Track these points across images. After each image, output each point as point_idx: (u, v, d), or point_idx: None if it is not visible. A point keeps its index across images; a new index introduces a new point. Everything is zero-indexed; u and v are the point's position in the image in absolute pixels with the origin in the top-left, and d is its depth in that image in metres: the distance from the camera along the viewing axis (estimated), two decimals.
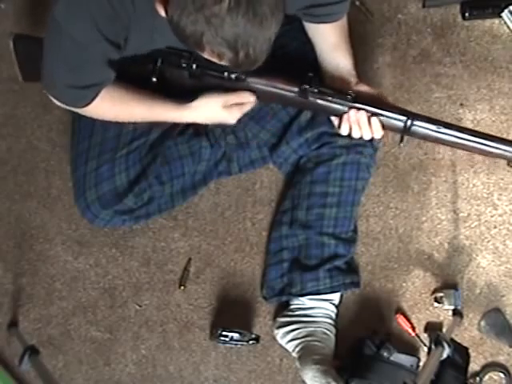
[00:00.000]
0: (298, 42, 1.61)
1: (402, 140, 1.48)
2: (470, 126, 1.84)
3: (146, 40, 1.39)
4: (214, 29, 1.07)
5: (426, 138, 1.48)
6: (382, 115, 1.46)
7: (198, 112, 1.51)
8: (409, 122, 1.45)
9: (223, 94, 1.49)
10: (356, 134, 1.49)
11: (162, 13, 1.15)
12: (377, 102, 1.47)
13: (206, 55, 1.15)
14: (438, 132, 1.46)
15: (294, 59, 1.60)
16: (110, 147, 1.60)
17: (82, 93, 1.41)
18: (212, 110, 1.51)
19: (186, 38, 1.12)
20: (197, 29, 1.08)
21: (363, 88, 1.52)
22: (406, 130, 1.46)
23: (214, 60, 1.15)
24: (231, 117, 1.53)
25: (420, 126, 1.46)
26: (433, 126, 1.46)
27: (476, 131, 1.50)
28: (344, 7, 1.51)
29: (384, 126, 1.47)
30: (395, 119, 1.46)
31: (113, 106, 1.48)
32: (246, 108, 1.53)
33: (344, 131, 1.50)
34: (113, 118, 1.54)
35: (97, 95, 1.42)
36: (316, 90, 1.46)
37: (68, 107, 1.49)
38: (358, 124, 1.47)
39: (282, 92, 1.48)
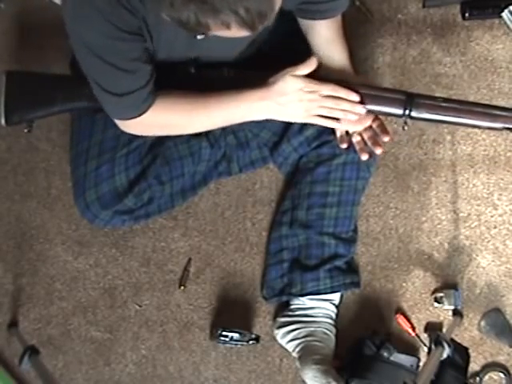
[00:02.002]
0: (285, 35, 1.60)
1: (406, 123, 1.46)
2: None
3: (167, 37, 1.36)
4: (203, 3, 1.05)
5: (429, 113, 1.46)
6: (382, 97, 1.45)
7: (276, 96, 1.41)
8: (409, 103, 1.44)
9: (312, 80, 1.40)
10: (364, 156, 1.52)
11: (168, 19, 1.15)
12: (375, 89, 1.48)
13: (216, 33, 1.12)
14: (440, 106, 1.45)
15: (281, 53, 1.59)
16: (110, 147, 1.59)
17: (127, 100, 1.38)
18: (292, 97, 1.41)
19: (188, 26, 1.10)
20: (190, 11, 1.06)
21: (359, 80, 1.52)
22: (408, 108, 1.45)
23: (229, 33, 1.11)
24: (306, 114, 1.44)
25: (421, 103, 1.45)
26: (433, 101, 1.45)
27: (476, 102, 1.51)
28: (340, 4, 1.50)
29: (387, 113, 1.47)
30: (396, 100, 1.45)
31: (169, 114, 1.44)
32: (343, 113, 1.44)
33: (344, 146, 1.53)
34: (174, 128, 1.51)
35: (146, 102, 1.39)
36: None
37: (126, 125, 1.46)
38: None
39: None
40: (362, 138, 1.52)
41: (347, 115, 1.44)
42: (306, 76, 1.41)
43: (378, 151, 1.49)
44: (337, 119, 1.45)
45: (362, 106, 1.44)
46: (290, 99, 1.41)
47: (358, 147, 1.53)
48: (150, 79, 1.38)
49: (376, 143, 1.49)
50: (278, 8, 1.11)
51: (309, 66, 1.41)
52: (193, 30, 1.12)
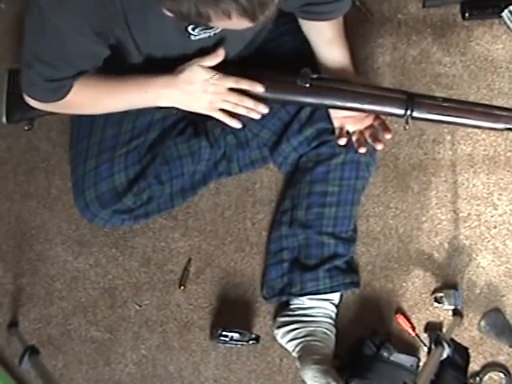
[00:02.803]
0: (297, 41, 1.61)
1: (407, 123, 1.46)
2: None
3: (159, 36, 1.36)
4: None
5: (430, 113, 1.46)
6: (383, 97, 1.45)
7: (182, 84, 1.41)
8: (410, 103, 1.44)
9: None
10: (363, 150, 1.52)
11: (169, 13, 1.14)
12: (376, 89, 1.48)
13: (218, 24, 1.11)
14: (441, 106, 1.45)
15: (292, 57, 1.60)
16: (109, 146, 1.59)
17: (50, 85, 1.37)
18: (197, 86, 1.42)
19: (189, 18, 1.09)
20: (191, 2, 1.05)
21: (361, 80, 1.53)
22: (409, 108, 1.44)
23: (230, 24, 1.11)
24: (209, 106, 1.45)
25: (422, 103, 1.45)
26: (434, 101, 1.45)
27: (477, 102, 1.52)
28: (342, 6, 1.50)
29: (388, 113, 1.47)
30: (397, 100, 1.45)
31: (76, 95, 1.43)
32: (245, 110, 1.46)
33: (342, 142, 1.53)
34: (77, 108, 1.50)
35: (64, 90, 1.40)
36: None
37: (42, 104, 1.44)
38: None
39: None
40: (363, 136, 1.53)
41: (250, 113, 1.45)
42: (212, 68, 1.41)
43: (379, 147, 1.49)
44: (238, 118, 1.46)
45: (263, 106, 1.44)
46: (194, 88, 1.42)
47: (356, 143, 1.53)
48: (80, 74, 1.38)
49: (376, 139, 1.49)
50: None
51: (215, 58, 1.41)
52: (194, 22, 1.12)
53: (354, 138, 1.53)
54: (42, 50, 1.32)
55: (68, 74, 1.37)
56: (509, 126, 1.46)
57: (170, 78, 1.43)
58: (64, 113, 1.56)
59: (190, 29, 1.33)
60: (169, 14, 1.12)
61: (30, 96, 1.43)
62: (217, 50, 1.41)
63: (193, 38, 1.35)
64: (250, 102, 1.45)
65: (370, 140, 1.50)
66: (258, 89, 1.44)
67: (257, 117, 1.47)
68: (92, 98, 1.46)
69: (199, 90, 1.43)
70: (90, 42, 1.29)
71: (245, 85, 1.44)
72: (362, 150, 1.52)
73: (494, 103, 1.85)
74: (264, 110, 1.46)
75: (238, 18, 1.08)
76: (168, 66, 1.43)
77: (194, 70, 1.41)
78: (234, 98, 1.44)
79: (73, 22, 1.24)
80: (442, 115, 1.46)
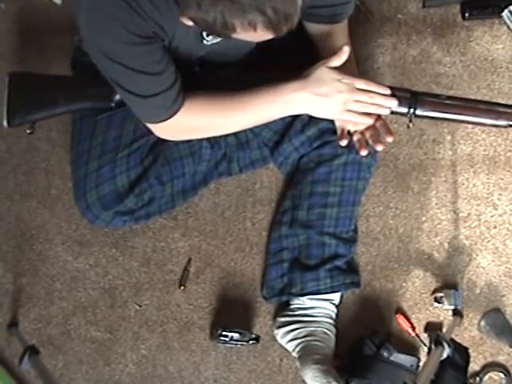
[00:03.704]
0: (298, 41, 1.61)
1: (410, 121, 1.46)
2: (469, 126, 1.84)
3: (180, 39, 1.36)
4: (232, 2, 1.05)
5: (433, 110, 1.46)
6: (388, 95, 1.44)
7: (315, 87, 1.37)
8: (414, 101, 1.44)
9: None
10: (364, 152, 1.50)
11: (190, 22, 1.14)
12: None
13: (241, 35, 1.12)
14: (444, 104, 1.45)
15: (293, 54, 1.60)
16: (111, 148, 1.59)
17: (154, 102, 1.37)
18: (331, 87, 1.38)
19: (214, 28, 1.10)
20: (217, 11, 1.07)
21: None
22: (413, 107, 1.44)
23: (253, 36, 1.11)
24: (342, 108, 1.40)
25: (426, 101, 1.45)
26: (437, 98, 1.46)
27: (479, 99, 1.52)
28: (347, 9, 1.51)
29: (392, 111, 1.46)
30: (401, 98, 1.44)
31: (204, 115, 1.43)
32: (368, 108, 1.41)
33: (343, 143, 1.52)
34: (209, 130, 1.49)
35: (175, 104, 1.39)
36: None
37: (158, 128, 1.45)
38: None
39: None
40: (364, 137, 1.52)
41: (378, 110, 1.42)
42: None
43: (379, 148, 1.48)
44: (368, 114, 1.43)
45: (391, 98, 1.42)
46: (329, 90, 1.38)
47: (358, 144, 1.52)
48: (174, 81, 1.37)
49: (377, 141, 1.49)
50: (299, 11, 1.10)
51: (341, 57, 1.39)
52: (217, 31, 1.12)
53: (354, 138, 1.53)
54: (118, 76, 1.34)
55: (160, 87, 1.36)
56: (511, 123, 1.46)
57: (300, 82, 1.39)
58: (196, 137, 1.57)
59: (204, 34, 1.33)
60: (189, 22, 1.12)
61: (150, 122, 1.44)
62: (340, 50, 1.38)
63: (205, 42, 1.36)
64: (379, 99, 1.41)
65: (370, 141, 1.49)
66: (386, 91, 1.41)
67: (386, 112, 1.43)
68: (214, 117, 1.44)
69: (333, 91, 1.39)
70: (144, 46, 1.29)
71: (374, 87, 1.41)
72: (364, 153, 1.50)
73: None
74: (394, 103, 1.42)
75: (262, 29, 1.09)
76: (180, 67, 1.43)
77: (324, 71, 1.38)
78: (365, 96, 1.41)
79: (121, 37, 1.25)
80: (445, 113, 1.46)
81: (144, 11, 1.25)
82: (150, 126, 1.46)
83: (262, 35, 1.10)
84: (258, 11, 1.07)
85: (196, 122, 1.45)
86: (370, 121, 1.45)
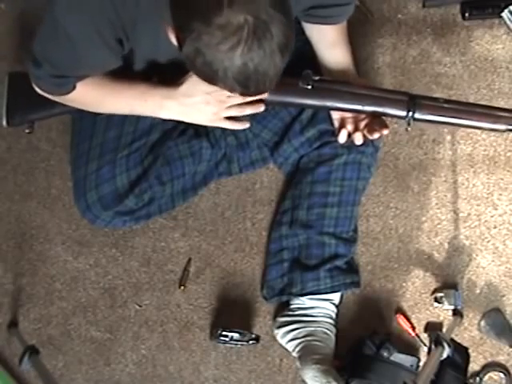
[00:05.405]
0: (298, 43, 1.61)
1: (409, 124, 1.46)
2: None
3: (151, 45, 1.36)
4: (225, 70, 1.06)
5: (432, 114, 1.46)
6: (385, 98, 1.45)
7: (181, 97, 1.40)
8: (412, 104, 1.44)
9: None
10: (358, 140, 1.50)
11: (174, 41, 1.14)
12: (377, 90, 1.48)
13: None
14: (443, 108, 1.45)
15: (293, 59, 1.60)
16: (111, 148, 1.59)
17: (59, 80, 1.38)
18: (198, 99, 1.40)
19: (197, 72, 1.12)
20: (209, 69, 1.08)
21: (363, 82, 1.53)
22: (411, 110, 1.45)
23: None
24: (213, 118, 1.44)
25: (424, 104, 1.45)
26: (436, 102, 1.46)
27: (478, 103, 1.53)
28: (347, 10, 1.51)
29: (390, 114, 1.46)
30: (399, 101, 1.45)
31: (82, 94, 1.43)
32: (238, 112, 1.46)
33: (342, 138, 1.52)
34: (82, 106, 1.50)
35: (70, 85, 1.40)
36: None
37: (49, 95, 1.45)
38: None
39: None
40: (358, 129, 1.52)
41: (257, 109, 1.44)
42: None
43: (376, 136, 1.47)
44: (243, 122, 1.47)
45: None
46: (195, 101, 1.41)
47: (353, 134, 1.52)
48: (85, 76, 1.39)
49: (372, 130, 1.48)
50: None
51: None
52: (196, 74, 1.14)
53: (349, 128, 1.52)
54: (52, 53, 1.33)
55: (74, 75, 1.38)
56: (510, 127, 1.46)
57: (170, 90, 1.41)
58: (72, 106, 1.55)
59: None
60: (176, 43, 1.13)
61: (37, 86, 1.44)
62: None
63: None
64: (249, 110, 1.44)
65: (365, 131, 1.49)
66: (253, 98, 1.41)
67: (262, 108, 1.45)
68: (96, 98, 1.46)
69: (201, 103, 1.41)
70: (101, 51, 1.30)
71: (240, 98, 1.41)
72: (359, 142, 1.50)
73: (494, 103, 1.85)
74: (261, 107, 1.45)
75: (236, 94, 1.13)
76: (155, 69, 1.43)
77: (194, 83, 1.38)
78: (238, 100, 1.42)
79: (84, 30, 1.25)
80: (444, 116, 1.46)
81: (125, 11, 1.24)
82: (34, 85, 1.44)
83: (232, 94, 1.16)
84: (242, 87, 1.10)
85: (73, 97, 1.44)
86: (246, 125, 1.50)
